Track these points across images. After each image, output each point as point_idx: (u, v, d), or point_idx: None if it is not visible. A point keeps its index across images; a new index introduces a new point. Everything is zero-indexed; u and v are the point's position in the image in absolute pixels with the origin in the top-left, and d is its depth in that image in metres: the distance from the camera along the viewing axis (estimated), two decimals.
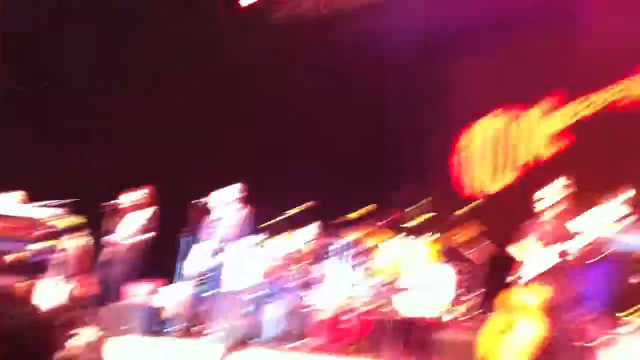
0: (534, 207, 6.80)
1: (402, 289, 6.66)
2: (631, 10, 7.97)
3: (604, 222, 5.84)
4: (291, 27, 10.42)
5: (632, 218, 5.58)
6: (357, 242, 7.52)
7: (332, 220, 8.29)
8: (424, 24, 9.41)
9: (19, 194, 7.79)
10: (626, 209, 5.67)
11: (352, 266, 7.43)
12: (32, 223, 6.88)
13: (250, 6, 10.80)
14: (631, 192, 5.61)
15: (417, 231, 7.06)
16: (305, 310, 7.24)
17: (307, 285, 7.98)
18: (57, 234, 7.31)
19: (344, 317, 6.79)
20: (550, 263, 6.46)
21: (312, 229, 8.49)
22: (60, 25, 9.98)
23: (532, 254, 6.63)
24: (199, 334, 7.09)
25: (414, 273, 6.83)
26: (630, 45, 8.06)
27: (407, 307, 6.67)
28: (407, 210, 7.03)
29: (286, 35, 10.20)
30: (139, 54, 9.94)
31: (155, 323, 7.03)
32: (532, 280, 6.49)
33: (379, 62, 9.68)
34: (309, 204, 8.06)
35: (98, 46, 9.89)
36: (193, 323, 7.18)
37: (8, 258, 6.86)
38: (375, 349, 6.36)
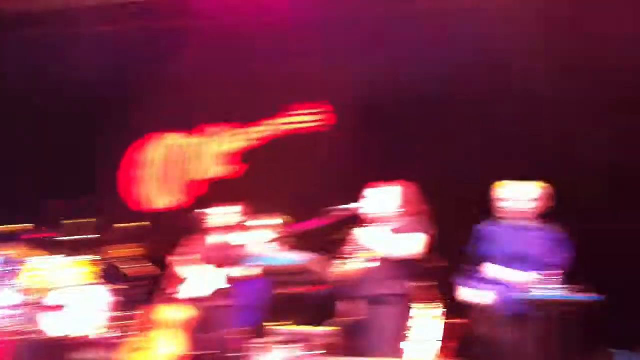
0: (201, 226, 6.96)
1: (50, 308, 6.29)
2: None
3: (259, 242, 6.31)
4: None
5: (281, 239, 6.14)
6: (6, 260, 6.96)
7: None
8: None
9: None
10: (276, 231, 6.26)
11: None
12: None
13: None
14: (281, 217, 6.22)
15: (72, 248, 6.74)
16: None
17: None
18: None
19: None
20: (209, 281, 6.64)
21: None
22: None
23: (193, 272, 6.73)
24: None
25: (64, 292, 6.50)
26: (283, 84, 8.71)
27: (53, 326, 6.31)
28: (62, 225, 6.67)
29: None
30: None
31: None
32: (187, 297, 6.60)
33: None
34: None
35: None
36: None
37: None
38: None
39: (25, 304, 6.41)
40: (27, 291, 6.44)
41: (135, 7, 9.42)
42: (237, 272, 6.46)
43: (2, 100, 9.18)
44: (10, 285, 6.77)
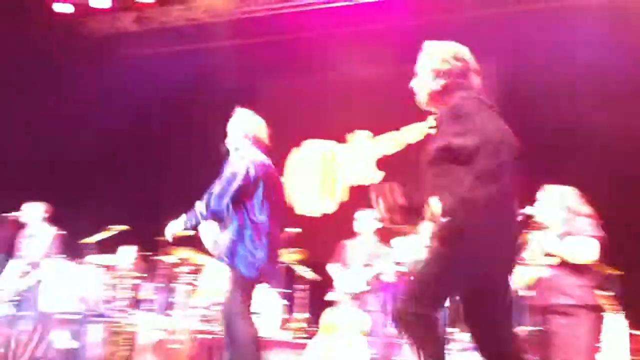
0: (353, 229, 7.21)
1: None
2: None
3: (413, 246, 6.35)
4: None
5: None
6: (179, 262, 7.47)
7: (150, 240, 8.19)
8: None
9: None
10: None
11: (177, 286, 7.35)
12: None
13: None
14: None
15: None
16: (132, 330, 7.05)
17: (131, 306, 7.77)
18: None
19: (175, 337, 6.68)
20: (365, 283, 6.87)
21: (131, 249, 8.29)
22: None
23: (348, 274, 6.99)
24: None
25: None
26: None
27: None
28: None
29: None
30: None
31: None
32: (351, 299, 6.85)
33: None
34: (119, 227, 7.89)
35: None
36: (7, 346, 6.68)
37: None
38: None
39: (204, 305, 6.85)
40: (202, 293, 6.89)
41: (265, 20, 9.86)
42: (388, 272, 6.63)
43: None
44: (186, 288, 7.28)
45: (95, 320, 7.24)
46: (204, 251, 7.06)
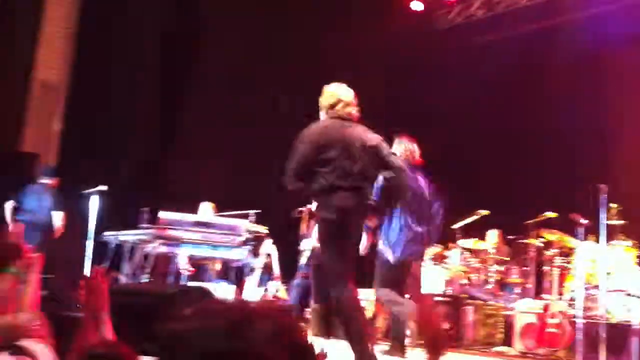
0: None
1: (608, 292, 6.39)
2: None
3: None
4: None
5: None
6: (552, 245, 7.32)
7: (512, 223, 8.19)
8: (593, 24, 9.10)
9: (210, 205, 8.25)
10: None
11: (550, 268, 7.23)
12: (237, 231, 7.26)
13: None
14: None
15: (612, 234, 6.76)
16: (508, 314, 7.17)
17: (500, 290, 7.89)
18: (257, 240, 7.67)
19: (551, 321, 6.61)
20: None
21: (494, 233, 8.39)
22: None
23: None
24: None
25: (616, 277, 6.56)
26: None
27: (616, 311, 6.40)
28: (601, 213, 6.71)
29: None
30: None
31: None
32: None
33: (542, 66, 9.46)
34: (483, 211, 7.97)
35: None
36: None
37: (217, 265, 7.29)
38: (586, 353, 6.14)
39: (584, 288, 6.63)
40: (580, 275, 6.67)
41: None
42: None
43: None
44: (559, 270, 7.11)
45: (467, 303, 7.50)
46: (573, 234, 6.91)
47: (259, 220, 7.91)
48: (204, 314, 1.23)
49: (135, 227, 7.56)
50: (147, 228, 7.51)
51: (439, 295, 7.72)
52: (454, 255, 8.01)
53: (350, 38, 9.79)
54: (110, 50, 8.69)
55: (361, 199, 4.40)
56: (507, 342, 7.04)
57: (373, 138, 4.48)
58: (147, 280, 7.27)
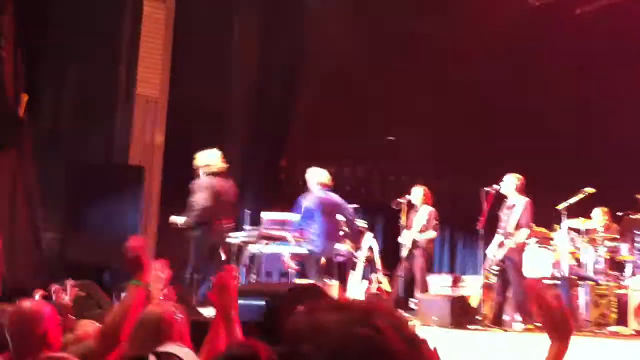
0: None
1: None
2: None
3: None
4: None
5: None
6: None
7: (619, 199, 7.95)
8: None
9: None
10: None
11: None
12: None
13: None
14: None
15: None
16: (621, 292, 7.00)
17: (612, 269, 7.67)
18: (359, 234, 7.79)
19: None
20: None
21: (601, 211, 8.15)
22: None
23: None
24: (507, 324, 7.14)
25: None
26: None
27: None
28: None
29: None
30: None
31: (461, 314, 7.16)
32: None
33: None
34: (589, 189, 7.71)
35: None
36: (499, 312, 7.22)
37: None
38: None
39: None
40: None
41: None
42: None
43: None
44: None
45: (577, 284, 7.34)
46: None
47: (359, 214, 8.03)
48: (328, 308, 1.31)
49: (240, 229, 7.83)
50: (251, 229, 7.77)
51: (547, 278, 7.59)
52: (560, 237, 7.84)
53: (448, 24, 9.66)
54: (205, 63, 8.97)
55: None
56: (622, 321, 6.85)
57: None
58: (255, 280, 7.52)
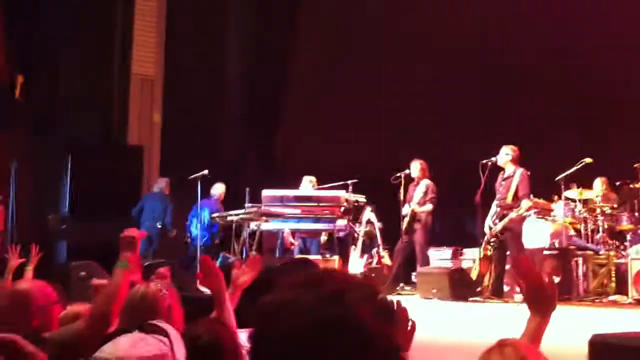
0: None
1: None
2: None
3: None
4: None
5: None
6: None
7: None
8: None
9: (310, 179, 8.42)
10: None
11: None
12: (337, 202, 7.41)
13: None
14: None
15: None
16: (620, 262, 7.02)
17: (610, 239, 7.68)
18: (358, 209, 7.81)
19: None
20: None
21: (600, 180, 8.13)
22: None
23: None
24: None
25: None
26: None
27: None
28: None
29: None
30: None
31: (461, 286, 7.18)
32: None
33: None
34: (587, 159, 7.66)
35: None
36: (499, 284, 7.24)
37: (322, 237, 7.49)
38: None
39: None
40: None
41: None
42: None
43: None
44: None
45: (576, 254, 7.35)
46: None
47: (358, 189, 8.03)
48: (300, 285, 1.33)
49: (239, 207, 7.84)
50: (251, 207, 7.79)
51: (545, 249, 7.60)
52: (559, 208, 7.84)
53: None
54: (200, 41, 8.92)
55: None
56: (621, 290, 6.87)
57: None
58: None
